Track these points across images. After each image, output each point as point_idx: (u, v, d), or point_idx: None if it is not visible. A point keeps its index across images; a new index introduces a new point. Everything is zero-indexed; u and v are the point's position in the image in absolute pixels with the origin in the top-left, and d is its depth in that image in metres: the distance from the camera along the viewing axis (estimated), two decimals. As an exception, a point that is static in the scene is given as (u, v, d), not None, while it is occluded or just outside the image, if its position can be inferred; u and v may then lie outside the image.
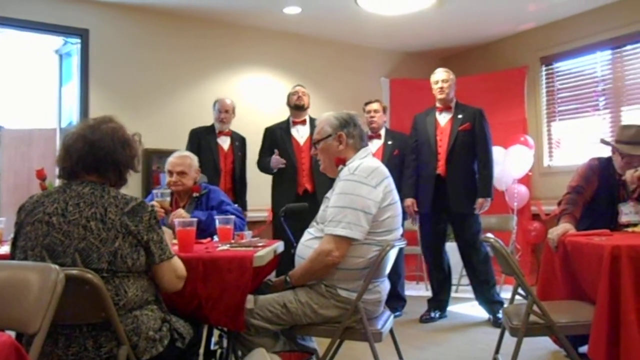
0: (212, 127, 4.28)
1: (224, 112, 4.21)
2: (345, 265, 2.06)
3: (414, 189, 3.90)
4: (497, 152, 5.14)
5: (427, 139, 3.85)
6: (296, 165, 4.00)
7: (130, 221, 1.64)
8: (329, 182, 2.28)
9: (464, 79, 5.26)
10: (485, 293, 3.81)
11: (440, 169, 3.80)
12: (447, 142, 3.79)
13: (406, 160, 3.98)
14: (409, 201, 3.88)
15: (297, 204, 2.83)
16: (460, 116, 3.81)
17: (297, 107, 4.11)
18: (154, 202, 2.67)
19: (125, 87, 4.87)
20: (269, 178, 4.17)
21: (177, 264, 1.79)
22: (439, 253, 3.96)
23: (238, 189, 4.22)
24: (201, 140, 4.18)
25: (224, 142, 4.26)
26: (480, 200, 3.71)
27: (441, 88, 3.82)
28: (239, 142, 4.34)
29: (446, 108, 3.87)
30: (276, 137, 4.10)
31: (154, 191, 2.77)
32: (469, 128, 3.77)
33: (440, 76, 3.86)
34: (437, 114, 3.90)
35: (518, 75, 5.61)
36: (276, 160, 3.96)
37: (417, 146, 3.93)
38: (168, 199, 2.77)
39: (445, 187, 3.78)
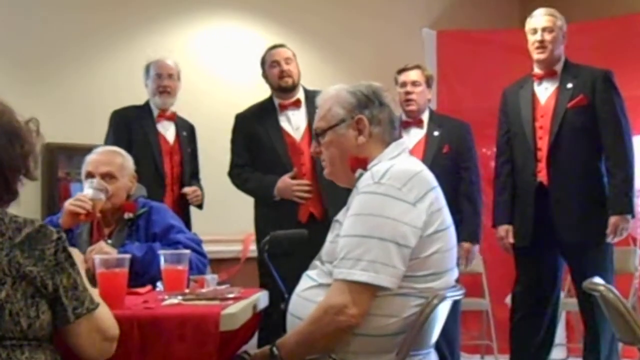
0: (146, 106, 4.31)
1: (167, 77, 4.25)
2: (367, 329, 2.07)
3: (509, 211, 3.89)
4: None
5: (521, 127, 3.87)
6: (293, 176, 4.01)
7: (25, 258, 1.65)
8: (347, 199, 2.29)
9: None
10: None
11: (542, 173, 3.80)
12: (549, 129, 3.78)
13: (497, 162, 4.01)
14: (503, 230, 3.88)
15: (289, 231, 2.85)
16: (570, 85, 3.80)
17: (283, 89, 4.11)
18: (81, 197, 2.73)
19: (12, 47, 4.91)
20: (239, 191, 4.19)
21: (104, 317, 1.80)
22: (542, 310, 3.87)
23: (186, 208, 4.24)
24: (132, 128, 4.21)
25: (167, 130, 4.31)
26: (614, 219, 3.66)
27: (541, 42, 3.83)
28: (187, 132, 4.38)
29: (549, 74, 3.87)
30: (256, 131, 4.10)
31: (85, 183, 2.84)
32: (584, 103, 3.75)
33: (540, 22, 3.86)
34: (535, 84, 3.91)
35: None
36: (293, 186, 3.90)
37: (509, 140, 3.95)
38: (103, 197, 2.82)
39: (550, 203, 3.76)
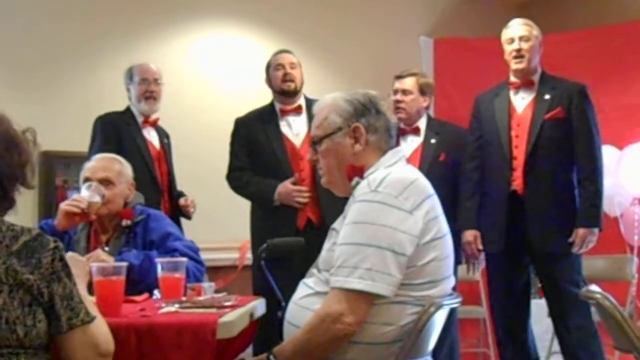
0: (128, 112, 4.26)
1: (153, 82, 4.20)
2: (364, 337, 2.07)
3: (476, 216, 3.91)
4: (607, 154, 5.16)
5: (496, 135, 3.88)
6: (294, 182, 4.01)
7: (22, 266, 1.65)
8: (342, 207, 2.29)
9: (553, 37, 5.28)
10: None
11: (517, 182, 3.82)
12: (526, 139, 3.81)
13: (464, 168, 4.00)
14: (471, 235, 3.89)
15: (285, 239, 2.85)
16: (547, 96, 3.83)
17: (285, 93, 4.11)
18: (76, 197, 2.74)
19: (10, 55, 4.93)
20: (240, 198, 4.19)
21: (100, 331, 1.79)
22: (517, 318, 3.95)
23: (178, 215, 4.23)
24: (121, 134, 4.15)
25: (152, 138, 4.27)
26: (580, 231, 3.71)
27: (518, 51, 3.85)
28: (167, 140, 4.36)
29: (526, 84, 3.90)
30: (256, 136, 4.10)
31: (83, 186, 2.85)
32: (561, 115, 3.79)
33: (516, 31, 3.89)
34: (511, 93, 3.93)
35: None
36: (293, 192, 3.90)
37: (481, 146, 3.97)
38: (99, 199, 2.82)
39: (525, 212, 3.79)
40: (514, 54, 3.86)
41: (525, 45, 3.84)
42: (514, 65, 3.87)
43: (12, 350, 1.66)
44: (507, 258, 3.88)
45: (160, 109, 4.29)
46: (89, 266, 2.29)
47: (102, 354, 1.78)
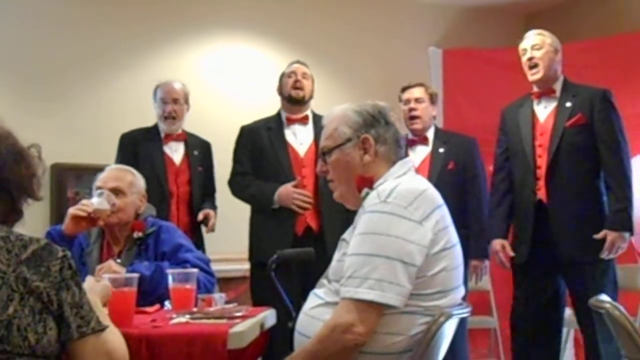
0: (154, 128, 4.35)
1: (172, 102, 4.27)
2: (374, 347, 2.07)
3: (504, 226, 3.90)
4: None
5: (521, 145, 3.86)
6: (296, 185, 4.02)
7: (32, 274, 1.67)
8: (347, 216, 2.31)
9: (562, 47, 5.28)
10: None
11: (541, 191, 3.79)
12: (547, 147, 3.78)
13: (493, 181, 4.00)
14: (498, 244, 3.86)
15: (296, 249, 2.86)
16: (569, 104, 3.79)
17: (292, 100, 4.13)
18: (85, 202, 2.76)
19: (22, 68, 4.96)
20: (247, 209, 4.20)
21: (113, 338, 1.80)
22: (544, 331, 3.84)
23: (193, 228, 4.25)
24: (138, 149, 4.24)
25: (175, 152, 4.33)
26: (611, 235, 3.61)
27: (531, 59, 3.84)
28: (199, 151, 4.39)
29: (547, 92, 3.87)
30: (261, 142, 4.13)
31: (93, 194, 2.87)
32: (582, 122, 3.74)
33: (529, 42, 3.87)
34: (534, 103, 3.91)
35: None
36: (294, 193, 3.90)
37: (508, 158, 3.95)
38: (107, 207, 2.83)
39: (549, 221, 3.75)
40: (528, 64, 3.86)
41: (537, 54, 3.82)
42: (530, 76, 3.86)
43: (26, 358, 1.67)
44: (534, 268, 3.82)
45: (182, 124, 4.37)
46: (108, 289, 2.29)
47: None
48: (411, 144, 4.11)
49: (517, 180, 3.89)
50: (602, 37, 5.91)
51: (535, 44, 3.85)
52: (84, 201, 2.85)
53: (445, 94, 5.78)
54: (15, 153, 1.79)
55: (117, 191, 3.00)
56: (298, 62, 4.26)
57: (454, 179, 4.02)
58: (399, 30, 6.19)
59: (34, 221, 1.89)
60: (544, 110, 3.87)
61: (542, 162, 3.79)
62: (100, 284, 2.23)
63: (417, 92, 4.15)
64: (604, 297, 2.27)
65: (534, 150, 3.82)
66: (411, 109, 4.11)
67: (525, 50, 3.88)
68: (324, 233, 3.91)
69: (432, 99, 4.20)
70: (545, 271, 3.83)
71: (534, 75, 3.84)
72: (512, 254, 3.85)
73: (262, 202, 4.05)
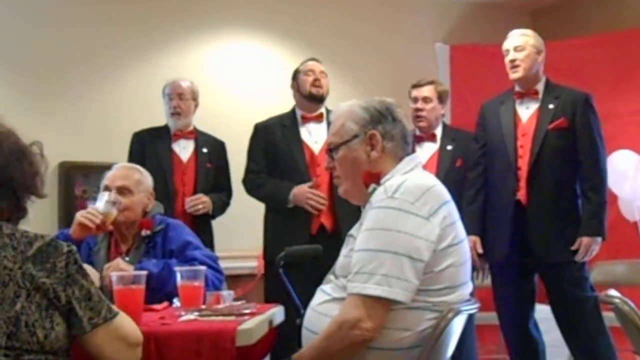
0: (164, 127, 4.38)
1: (177, 97, 4.28)
2: (382, 342, 2.07)
3: (478, 222, 3.90)
4: (625, 159, 5.13)
5: (502, 145, 3.87)
6: (311, 187, 4.01)
7: (38, 270, 1.68)
8: (360, 214, 2.30)
9: (568, 42, 5.27)
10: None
11: (521, 192, 3.81)
12: (530, 149, 3.80)
13: (468, 176, 3.99)
14: (471, 240, 3.85)
15: (303, 246, 2.86)
16: (551, 106, 3.81)
17: (313, 98, 4.12)
18: (92, 210, 2.77)
19: (29, 66, 4.97)
20: (260, 207, 4.20)
21: (125, 323, 1.83)
22: (524, 327, 3.94)
23: (202, 225, 4.24)
24: (146, 148, 4.27)
25: (183, 149, 4.34)
26: (584, 240, 3.70)
27: (513, 61, 3.84)
28: (209, 149, 4.39)
29: (530, 93, 3.89)
30: (275, 140, 4.12)
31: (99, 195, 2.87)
32: (564, 125, 3.76)
33: (511, 42, 3.89)
34: (516, 103, 3.92)
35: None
36: (308, 193, 3.90)
37: (485, 154, 3.96)
38: (114, 210, 2.83)
39: (528, 221, 3.78)
40: (509, 64, 3.87)
41: (519, 55, 3.83)
42: (511, 75, 3.87)
43: (34, 357, 1.68)
44: (513, 267, 3.89)
45: (190, 120, 4.38)
46: (96, 273, 2.31)
47: (132, 344, 1.82)
48: (419, 140, 4.11)
49: (496, 179, 3.90)
50: (608, 32, 5.89)
51: (518, 45, 3.86)
52: (91, 208, 2.84)
53: (452, 89, 5.74)
54: (17, 151, 1.81)
55: (124, 190, 2.99)
56: (314, 59, 4.24)
57: (461, 176, 4.02)
58: (406, 26, 6.18)
59: (41, 220, 1.91)
60: (526, 111, 3.89)
61: (524, 163, 3.81)
62: (91, 273, 2.25)
63: (425, 91, 4.14)
64: (614, 292, 2.26)
65: (516, 151, 3.83)
66: (417, 109, 4.11)
67: (507, 50, 3.89)
68: (338, 232, 3.89)
69: (441, 97, 4.18)
70: (523, 269, 3.89)
71: (513, 75, 3.85)
72: (480, 251, 3.88)
73: (276, 201, 4.05)
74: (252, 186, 4.17)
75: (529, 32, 3.95)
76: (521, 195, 3.80)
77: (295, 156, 4.05)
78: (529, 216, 3.78)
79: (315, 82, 4.10)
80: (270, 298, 3.74)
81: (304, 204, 3.92)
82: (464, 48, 6.17)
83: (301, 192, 3.93)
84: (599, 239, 3.73)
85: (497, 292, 4.06)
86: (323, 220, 3.98)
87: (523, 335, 3.96)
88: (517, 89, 3.92)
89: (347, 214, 3.77)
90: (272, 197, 4.08)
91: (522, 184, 3.79)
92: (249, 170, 4.19)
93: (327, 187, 3.99)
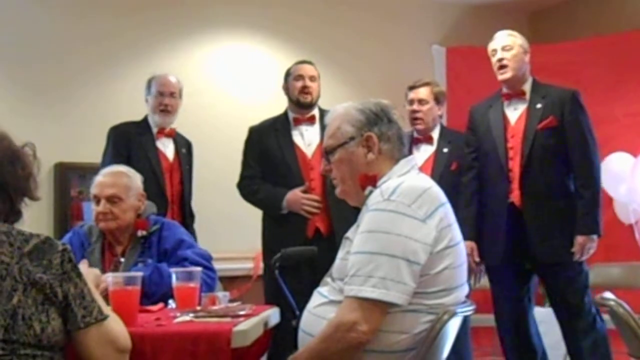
0: (144, 122, 4.30)
1: (169, 95, 4.23)
2: (378, 345, 2.07)
3: (474, 227, 3.89)
4: (621, 161, 5.14)
5: (493, 148, 3.87)
6: (304, 190, 4.00)
7: (34, 266, 1.71)
8: (356, 217, 2.30)
9: (565, 45, 5.29)
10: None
11: (514, 194, 3.80)
12: (520, 150, 3.80)
13: (462, 180, 3.99)
14: (468, 246, 3.85)
15: (299, 247, 2.86)
16: (539, 105, 3.80)
17: (300, 105, 4.10)
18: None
19: (25, 68, 4.97)
20: (255, 209, 4.20)
21: (116, 327, 1.84)
22: (522, 329, 3.94)
23: (189, 225, 4.23)
24: (131, 144, 4.19)
25: (166, 148, 4.29)
26: (580, 239, 3.69)
27: (500, 60, 3.83)
28: (185, 149, 4.37)
29: (517, 94, 3.88)
30: (268, 143, 4.11)
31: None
32: (554, 124, 3.75)
33: (499, 42, 3.88)
34: (504, 104, 3.91)
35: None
36: (302, 199, 3.89)
37: (477, 158, 3.96)
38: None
39: (524, 223, 3.78)
40: (497, 64, 3.86)
41: (507, 55, 3.83)
42: (499, 76, 3.86)
43: (30, 352, 1.70)
44: (509, 269, 3.89)
45: (175, 119, 4.33)
46: (98, 272, 2.31)
47: (120, 349, 1.83)
48: (416, 142, 4.10)
49: (489, 182, 3.90)
50: (605, 35, 5.91)
51: (506, 44, 3.85)
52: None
53: (448, 91, 5.74)
54: (10, 155, 1.83)
55: (114, 198, 2.96)
56: (305, 61, 4.21)
57: (457, 179, 4.00)
58: (403, 28, 6.19)
59: (37, 220, 1.92)
60: (514, 112, 3.88)
61: (515, 164, 3.81)
62: (92, 271, 2.32)
63: (421, 93, 4.12)
64: (609, 295, 2.27)
65: (507, 153, 3.83)
66: (414, 111, 4.10)
67: (495, 50, 3.88)
68: (333, 235, 3.88)
69: (438, 98, 4.16)
70: (520, 271, 3.90)
71: (502, 75, 3.84)
72: (478, 259, 3.88)
73: (271, 207, 4.05)
74: (246, 192, 4.16)
75: (515, 32, 3.94)
76: (514, 197, 3.80)
77: (288, 160, 4.04)
78: (524, 218, 3.77)
79: (304, 89, 4.07)
80: (270, 300, 3.74)
81: (299, 209, 3.91)
82: (461, 50, 6.18)
83: (295, 198, 3.93)
84: (595, 237, 3.71)
85: (495, 294, 4.06)
86: (318, 224, 3.97)
87: (519, 337, 3.95)
88: (504, 90, 3.91)
89: (341, 216, 3.77)
90: (266, 204, 4.08)
91: (515, 185, 3.79)
92: (243, 176, 4.18)
93: (320, 191, 3.98)
